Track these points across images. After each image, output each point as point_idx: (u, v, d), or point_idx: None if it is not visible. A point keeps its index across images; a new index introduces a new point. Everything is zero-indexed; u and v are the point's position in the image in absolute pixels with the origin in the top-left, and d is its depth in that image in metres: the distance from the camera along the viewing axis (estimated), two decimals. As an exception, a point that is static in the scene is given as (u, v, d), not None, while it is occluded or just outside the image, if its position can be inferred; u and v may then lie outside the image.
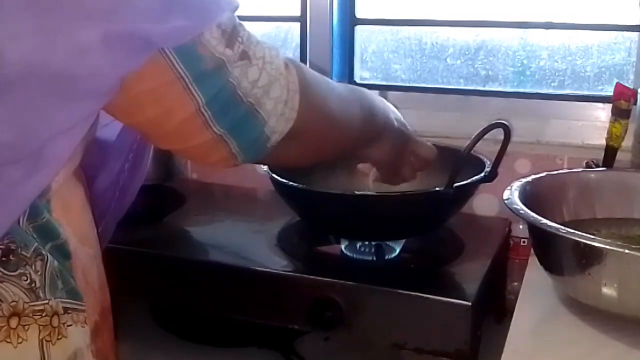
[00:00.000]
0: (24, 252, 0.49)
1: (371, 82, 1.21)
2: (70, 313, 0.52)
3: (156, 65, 0.47)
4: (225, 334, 1.01)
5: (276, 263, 0.87)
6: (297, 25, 1.17)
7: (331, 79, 1.21)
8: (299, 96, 0.56)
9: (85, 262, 0.57)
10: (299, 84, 0.56)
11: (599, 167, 0.91)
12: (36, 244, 0.50)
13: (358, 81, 1.18)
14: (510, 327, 0.70)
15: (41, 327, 0.48)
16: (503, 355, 0.65)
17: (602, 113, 1.05)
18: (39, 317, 0.48)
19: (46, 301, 0.49)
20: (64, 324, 0.51)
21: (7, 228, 0.47)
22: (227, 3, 0.52)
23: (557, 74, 1.11)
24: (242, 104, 0.52)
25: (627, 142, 0.92)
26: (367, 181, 0.85)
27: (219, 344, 1.00)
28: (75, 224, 0.55)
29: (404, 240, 0.90)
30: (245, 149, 0.55)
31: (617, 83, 0.92)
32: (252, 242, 0.94)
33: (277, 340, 0.98)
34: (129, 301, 1.05)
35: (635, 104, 0.91)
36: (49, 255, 0.50)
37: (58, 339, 0.50)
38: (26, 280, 0.48)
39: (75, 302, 0.53)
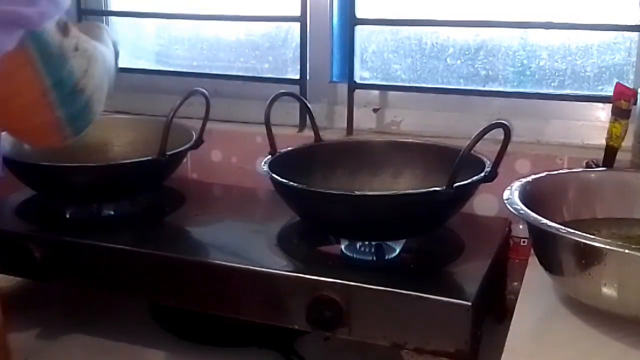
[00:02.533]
0: None
1: (371, 82, 1.21)
2: None
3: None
4: (225, 334, 1.01)
5: (276, 263, 0.87)
6: (297, 25, 1.17)
7: (331, 79, 1.22)
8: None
9: None
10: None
11: (599, 167, 0.91)
12: None
13: (358, 81, 1.18)
14: (510, 327, 0.70)
15: None
16: (503, 355, 0.65)
17: (602, 113, 1.05)
18: None
19: None
20: None
21: None
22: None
23: (557, 74, 1.11)
24: (82, 94, 0.58)
25: (627, 142, 0.92)
26: None
27: (219, 344, 1.00)
28: None
29: (404, 240, 0.90)
30: (72, 120, 0.59)
31: (617, 83, 0.92)
32: (252, 242, 0.94)
33: (277, 340, 0.98)
34: (129, 301, 1.06)
35: (635, 104, 0.91)
36: None
37: None
38: None
39: None
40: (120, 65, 1.44)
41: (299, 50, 1.18)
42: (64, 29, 0.55)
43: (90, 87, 0.59)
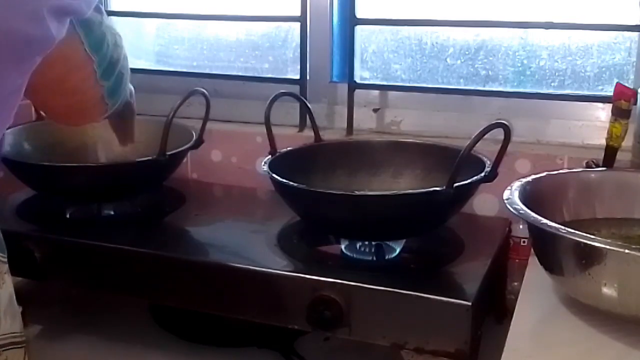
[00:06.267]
0: None
1: (371, 82, 1.21)
2: None
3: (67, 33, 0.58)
4: (225, 334, 1.01)
5: (276, 263, 0.87)
6: (297, 25, 1.17)
7: (331, 79, 1.22)
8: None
9: None
10: None
11: (599, 167, 0.91)
12: None
13: (358, 81, 1.18)
14: (510, 327, 0.70)
15: None
16: (503, 355, 0.65)
17: (602, 113, 1.05)
18: None
19: None
20: None
21: None
22: None
23: (557, 74, 1.11)
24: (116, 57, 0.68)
25: (627, 142, 0.92)
26: None
27: (219, 344, 1.00)
28: None
29: (404, 240, 0.90)
30: (113, 93, 0.68)
31: (617, 83, 0.92)
32: (252, 242, 0.94)
33: (277, 340, 0.98)
34: (129, 301, 1.06)
35: (635, 104, 0.91)
36: None
37: None
38: None
39: None
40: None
41: (299, 50, 1.18)
42: (98, 9, 0.63)
43: (122, 58, 0.68)
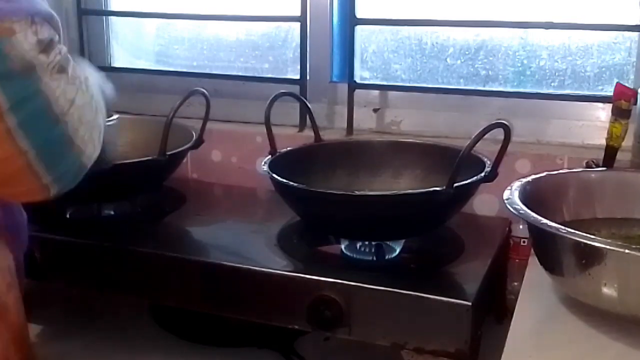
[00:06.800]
0: None
1: (371, 82, 1.21)
2: None
3: None
4: (225, 334, 1.01)
5: (276, 263, 0.87)
6: (297, 25, 1.17)
7: (331, 79, 1.22)
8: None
9: None
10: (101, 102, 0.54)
11: (599, 167, 0.91)
12: None
13: (358, 81, 1.18)
14: (510, 327, 0.70)
15: None
16: (503, 355, 0.65)
17: (602, 113, 1.05)
18: None
19: None
20: None
21: None
22: (46, 11, 0.49)
23: (557, 74, 1.11)
24: (57, 124, 0.48)
25: (627, 142, 0.92)
26: None
27: (219, 344, 1.00)
28: None
29: (404, 240, 0.90)
30: (60, 179, 0.51)
31: (617, 83, 0.92)
32: (252, 242, 0.94)
33: (277, 340, 0.98)
34: (129, 301, 1.06)
35: (635, 104, 0.91)
36: None
37: None
38: None
39: None
40: (120, 65, 1.45)
41: (299, 50, 1.18)
42: (45, 46, 0.48)
43: (73, 120, 0.50)
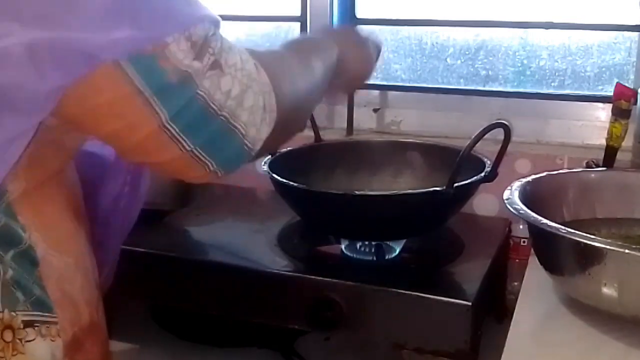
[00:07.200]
0: None
1: (371, 82, 1.21)
2: (36, 326, 0.49)
3: (109, 77, 0.44)
4: (225, 334, 1.01)
5: (276, 263, 0.87)
6: (297, 25, 1.17)
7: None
8: (274, 96, 0.54)
9: (61, 271, 0.53)
10: (271, 84, 0.54)
11: (599, 167, 0.91)
12: None
13: (358, 81, 1.18)
14: (510, 327, 0.70)
15: None
16: (503, 355, 0.65)
17: (602, 113, 1.06)
18: None
19: None
20: (20, 339, 0.48)
21: None
22: (200, 17, 0.49)
23: (557, 74, 1.11)
24: (215, 117, 0.49)
25: (627, 142, 0.92)
26: None
27: (219, 344, 1.00)
28: (48, 229, 0.52)
29: (404, 240, 0.90)
30: (225, 165, 0.52)
31: (617, 83, 0.92)
32: (252, 242, 0.94)
33: (277, 340, 0.98)
34: (129, 301, 1.06)
35: (635, 104, 0.91)
36: (7, 264, 0.48)
37: (13, 355, 0.48)
38: None
39: (42, 314, 0.50)
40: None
41: (299, 50, 1.18)
42: (199, 49, 0.48)
43: (231, 109, 0.50)
